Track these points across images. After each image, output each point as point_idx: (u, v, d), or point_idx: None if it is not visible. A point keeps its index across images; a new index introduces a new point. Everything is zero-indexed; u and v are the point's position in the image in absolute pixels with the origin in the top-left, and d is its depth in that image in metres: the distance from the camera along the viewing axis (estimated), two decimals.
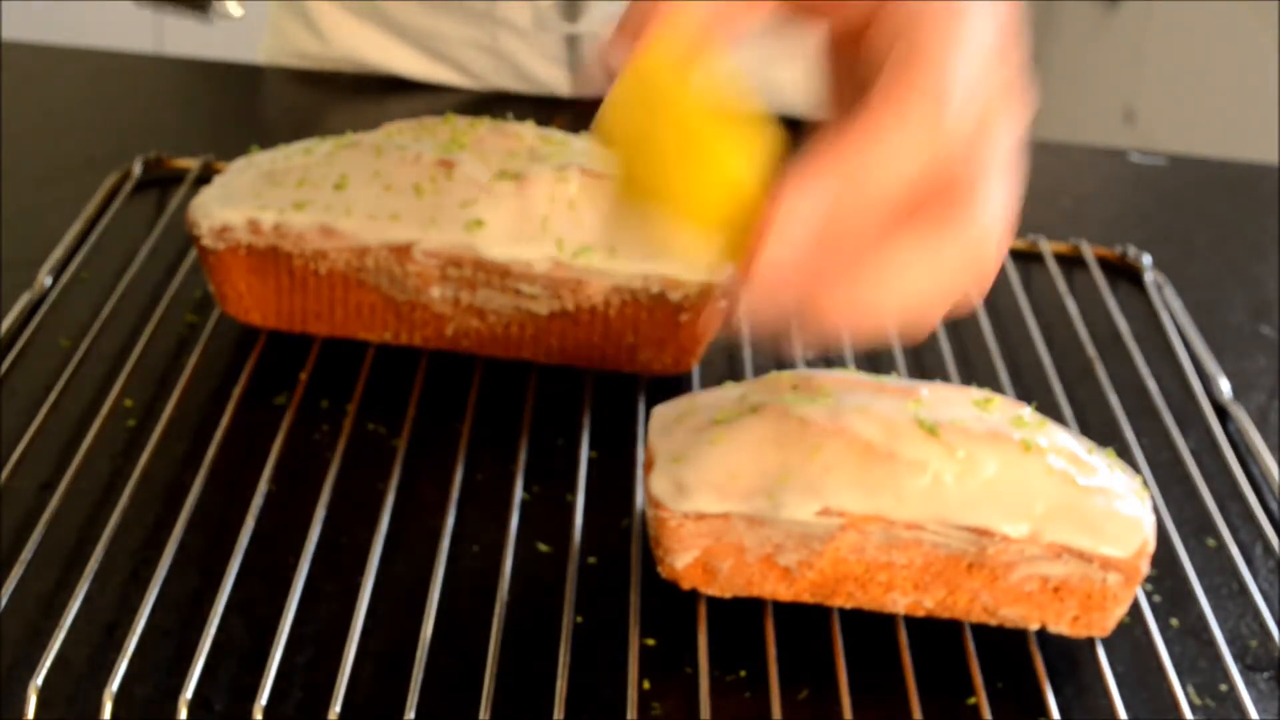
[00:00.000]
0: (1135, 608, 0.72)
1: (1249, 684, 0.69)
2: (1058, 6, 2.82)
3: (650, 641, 0.68)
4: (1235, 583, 0.75)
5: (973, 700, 0.67)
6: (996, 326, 0.93)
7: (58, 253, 0.89)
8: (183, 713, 0.61)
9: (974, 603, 0.69)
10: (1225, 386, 0.89)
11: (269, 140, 0.90)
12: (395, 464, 0.75)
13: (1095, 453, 0.70)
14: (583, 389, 0.83)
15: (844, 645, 0.68)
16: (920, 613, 0.69)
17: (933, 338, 0.91)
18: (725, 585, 0.69)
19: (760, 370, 0.84)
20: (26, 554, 0.67)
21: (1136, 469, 0.80)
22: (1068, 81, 2.73)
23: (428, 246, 0.80)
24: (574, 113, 1.12)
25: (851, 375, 0.71)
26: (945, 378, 0.86)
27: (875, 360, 0.89)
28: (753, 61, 0.58)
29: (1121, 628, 0.71)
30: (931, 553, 0.67)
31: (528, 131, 0.85)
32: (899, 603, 0.69)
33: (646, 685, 0.66)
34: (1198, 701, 0.68)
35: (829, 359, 0.89)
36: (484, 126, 0.84)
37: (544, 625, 0.68)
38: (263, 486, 0.73)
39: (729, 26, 0.59)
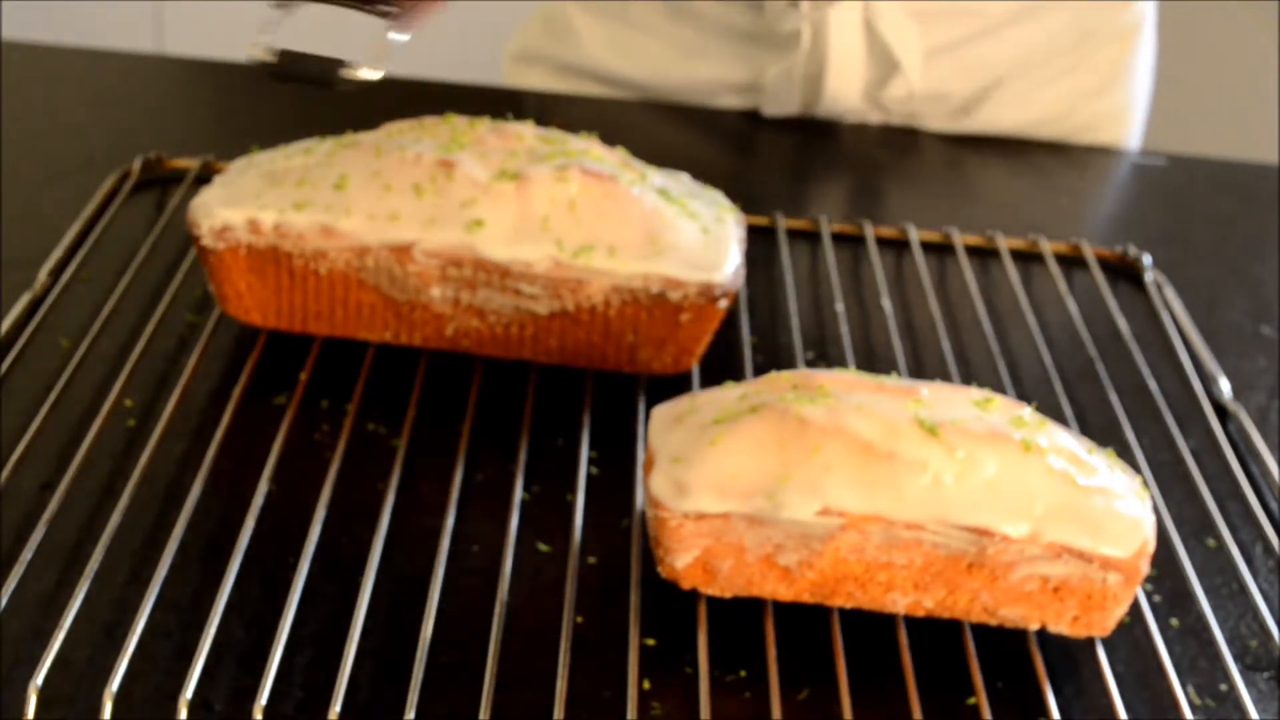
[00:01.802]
0: (1135, 608, 0.72)
1: (1249, 684, 0.70)
2: None
3: (650, 641, 0.68)
4: (1235, 583, 0.75)
5: (973, 700, 0.67)
6: (996, 326, 0.93)
7: (58, 253, 0.89)
8: (183, 713, 0.61)
9: (974, 603, 0.68)
10: (1225, 386, 0.89)
11: (269, 140, 0.90)
12: (395, 464, 0.75)
13: (1095, 453, 0.70)
14: (583, 389, 0.83)
15: (844, 645, 0.68)
16: (920, 613, 0.69)
17: (933, 338, 0.91)
18: (725, 585, 0.69)
19: (760, 370, 0.84)
20: (26, 554, 0.67)
21: (1136, 469, 0.80)
22: None
23: (428, 246, 0.80)
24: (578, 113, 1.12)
25: (851, 375, 0.71)
26: (945, 378, 0.86)
27: (875, 360, 0.89)
28: None
29: (1121, 628, 0.71)
30: (931, 553, 0.67)
31: (528, 131, 0.85)
32: (899, 603, 0.69)
33: (646, 685, 0.66)
34: (1198, 701, 0.68)
35: (829, 359, 0.89)
36: (484, 126, 0.84)
37: (544, 625, 0.68)
38: (263, 486, 0.73)
39: None
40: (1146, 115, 1.28)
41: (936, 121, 1.19)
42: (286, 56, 0.66)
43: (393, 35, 0.68)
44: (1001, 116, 1.19)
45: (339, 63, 0.66)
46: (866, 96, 1.16)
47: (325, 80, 0.67)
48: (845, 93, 1.15)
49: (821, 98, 1.15)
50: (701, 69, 1.18)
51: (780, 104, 1.17)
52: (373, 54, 0.68)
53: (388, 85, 1.20)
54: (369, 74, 0.67)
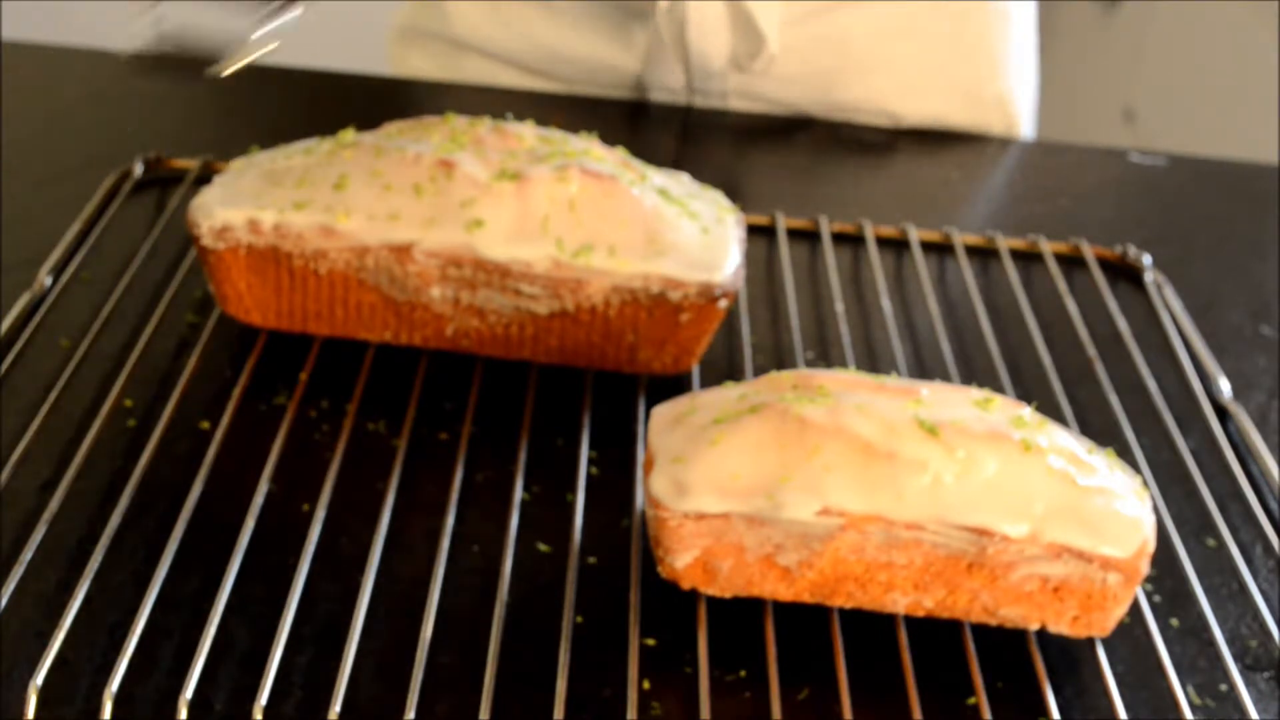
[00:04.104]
0: (1135, 608, 0.72)
1: (1249, 684, 0.70)
2: (1058, 6, 2.82)
3: (650, 641, 0.68)
4: (1235, 583, 0.75)
5: (973, 700, 0.67)
6: (996, 326, 0.93)
7: (58, 253, 0.89)
8: (183, 713, 0.61)
9: (974, 603, 0.69)
10: (1225, 386, 0.89)
11: (269, 140, 0.90)
12: (395, 464, 0.75)
13: (1095, 453, 0.70)
14: (583, 389, 0.83)
15: (844, 645, 0.68)
16: (920, 613, 0.69)
17: (933, 337, 0.91)
18: (725, 585, 0.69)
19: (760, 370, 0.84)
20: (27, 554, 0.67)
21: (1136, 469, 0.80)
22: (1068, 81, 2.72)
23: (428, 246, 0.80)
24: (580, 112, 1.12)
25: (851, 375, 0.71)
26: (945, 378, 0.86)
27: (875, 360, 0.89)
28: None
29: (1121, 628, 0.71)
30: (931, 553, 0.67)
31: (528, 131, 0.85)
32: (899, 603, 0.69)
33: (646, 685, 0.66)
34: (1198, 701, 0.68)
35: (829, 359, 0.89)
36: (484, 126, 0.84)
37: (544, 625, 0.68)
38: (263, 486, 0.73)
39: None
40: (1037, 103, 1.27)
41: (813, 106, 1.19)
42: (154, 49, 0.67)
43: (258, 31, 0.70)
44: (873, 99, 1.18)
45: (206, 57, 0.67)
46: (734, 64, 1.16)
47: (192, 72, 0.68)
48: (710, 54, 1.15)
49: (690, 62, 1.15)
50: (575, 40, 1.18)
51: (659, 76, 1.17)
52: (238, 47, 0.69)
53: (389, 85, 1.20)
54: (233, 66, 0.68)
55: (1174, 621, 0.73)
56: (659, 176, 0.85)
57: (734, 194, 0.99)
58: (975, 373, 0.88)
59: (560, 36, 1.18)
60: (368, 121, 0.88)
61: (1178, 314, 0.96)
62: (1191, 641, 0.71)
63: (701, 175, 0.92)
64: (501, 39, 1.19)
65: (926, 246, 1.01)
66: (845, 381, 0.70)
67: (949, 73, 1.19)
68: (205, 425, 0.78)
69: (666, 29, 1.14)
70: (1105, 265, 1.01)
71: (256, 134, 0.97)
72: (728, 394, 0.71)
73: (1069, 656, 0.70)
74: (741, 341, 0.87)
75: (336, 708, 0.61)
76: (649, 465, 0.69)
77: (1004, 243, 1.01)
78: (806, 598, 0.69)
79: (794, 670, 0.67)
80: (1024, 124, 1.23)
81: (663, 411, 0.72)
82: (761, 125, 1.18)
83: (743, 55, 1.15)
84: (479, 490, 0.76)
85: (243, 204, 0.81)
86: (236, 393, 0.79)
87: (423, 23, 1.23)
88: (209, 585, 0.68)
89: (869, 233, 1.00)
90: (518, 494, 0.74)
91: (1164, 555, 0.75)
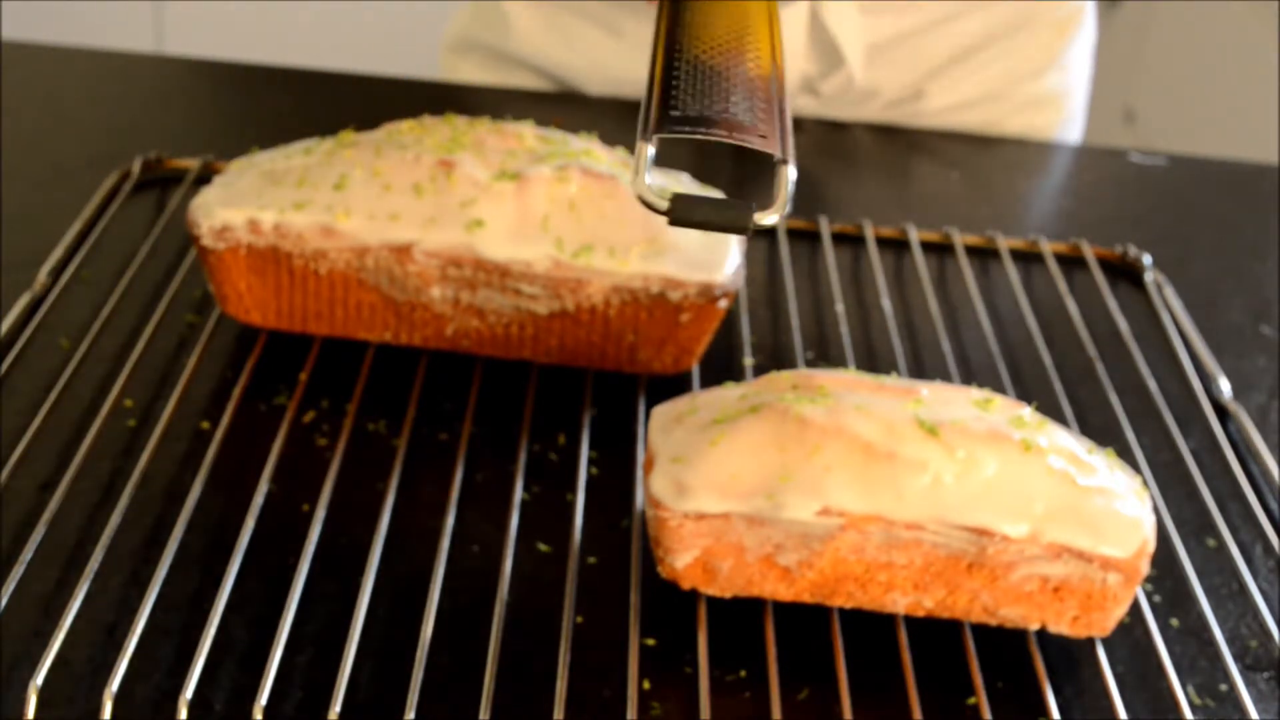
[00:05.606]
0: (1135, 608, 0.72)
1: (1249, 684, 0.70)
2: None
3: (650, 641, 0.68)
4: (1235, 583, 0.75)
5: (973, 700, 0.67)
6: (996, 326, 0.93)
7: (58, 253, 0.89)
8: (183, 713, 0.61)
9: (974, 603, 0.69)
10: (1225, 386, 0.89)
11: (269, 140, 0.90)
12: (395, 464, 0.75)
13: (1095, 453, 0.70)
14: (583, 389, 0.83)
15: (844, 645, 0.68)
16: (920, 613, 0.69)
17: (933, 338, 0.91)
18: (725, 585, 0.69)
19: (760, 370, 0.84)
20: (26, 554, 0.67)
21: (1136, 469, 0.80)
22: None
23: (428, 246, 0.80)
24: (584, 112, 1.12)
25: (851, 375, 0.71)
26: (945, 378, 0.86)
27: (875, 360, 0.89)
28: None
29: (1121, 628, 0.71)
30: (931, 553, 0.67)
31: (528, 131, 0.85)
32: (899, 603, 0.69)
33: (646, 685, 0.66)
34: (1198, 701, 0.68)
35: (829, 359, 0.89)
36: (484, 126, 0.84)
37: (544, 625, 0.68)
38: (263, 486, 0.73)
39: None
40: (1087, 106, 1.28)
41: (868, 112, 1.19)
42: (681, 201, 0.62)
43: (789, 171, 0.63)
44: (935, 103, 1.19)
45: (745, 207, 0.61)
46: (806, 87, 1.16)
47: (734, 227, 0.62)
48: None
49: None
50: (636, 61, 1.17)
51: None
52: (770, 193, 0.63)
53: (389, 85, 1.20)
54: (772, 217, 0.62)
55: (1174, 621, 0.73)
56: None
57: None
58: (975, 373, 0.88)
59: (620, 57, 1.17)
60: (368, 121, 0.88)
61: (1178, 314, 0.96)
62: (1191, 641, 0.71)
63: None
64: (559, 56, 1.19)
65: (926, 246, 1.01)
66: (845, 381, 0.70)
67: (1011, 79, 1.20)
68: (205, 425, 0.78)
69: None
70: (1105, 265, 1.01)
71: (256, 134, 0.97)
72: (728, 394, 0.71)
73: (1069, 656, 0.70)
74: (741, 341, 0.88)
75: (336, 708, 0.61)
76: (649, 465, 0.69)
77: (1004, 243, 1.01)
78: (806, 598, 0.69)
79: (794, 670, 0.67)
80: (1075, 125, 1.24)
81: (663, 411, 0.72)
82: None
83: (815, 78, 1.15)
84: (479, 490, 0.76)
85: (243, 204, 0.81)
86: (236, 393, 0.79)
87: (479, 35, 1.22)
88: (209, 585, 0.68)
89: (869, 233, 1.00)
90: (518, 494, 0.74)
91: (1164, 555, 0.75)
